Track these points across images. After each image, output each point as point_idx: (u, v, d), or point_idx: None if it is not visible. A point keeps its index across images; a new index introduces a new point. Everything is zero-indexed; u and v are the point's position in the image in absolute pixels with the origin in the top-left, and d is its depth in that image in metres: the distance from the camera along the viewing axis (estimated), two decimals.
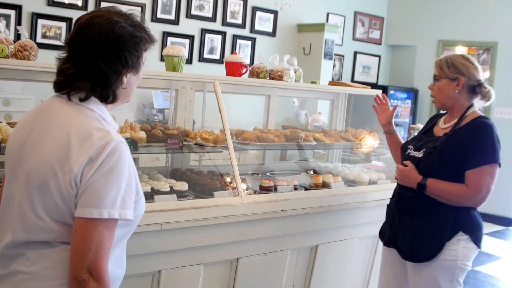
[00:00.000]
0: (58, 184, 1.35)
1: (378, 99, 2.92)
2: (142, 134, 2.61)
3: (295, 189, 2.85)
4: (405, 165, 2.41)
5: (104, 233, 1.34)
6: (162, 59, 5.29)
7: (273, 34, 6.37)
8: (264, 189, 2.76)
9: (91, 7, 4.90)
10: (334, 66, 6.93)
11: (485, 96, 2.41)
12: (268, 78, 3.14)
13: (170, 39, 5.52)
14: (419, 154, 2.40)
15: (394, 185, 2.59)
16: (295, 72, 3.20)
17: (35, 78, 2.41)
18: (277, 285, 2.80)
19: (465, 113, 2.39)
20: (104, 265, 1.35)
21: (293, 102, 5.62)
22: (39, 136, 1.43)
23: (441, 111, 2.58)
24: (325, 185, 3.01)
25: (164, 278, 2.32)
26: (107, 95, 1.47)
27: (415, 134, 2.74)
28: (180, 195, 2.46)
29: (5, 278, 1.42)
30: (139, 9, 5.19)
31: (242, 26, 6.10)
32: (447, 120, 2.46)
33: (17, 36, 4.28)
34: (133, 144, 2.45)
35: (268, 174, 3.41)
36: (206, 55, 5.86)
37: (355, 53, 7.44)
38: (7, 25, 4.43)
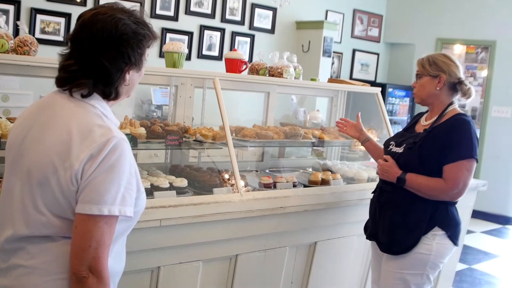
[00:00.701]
0: (59, 180, 1.35)
1: (340, 123, 3.02)
2: (142, 130, 2.61)
3: (294, 186, 2.86)
4: (386, 160, 2.47)
5: (104, 229, 1.34)
6: (161, 55, 5.33)
7: (272, 31, 6.37)
8: (263, 186, 2.77)
9: (90, 2, 4.89)
10: (332, 63, 6.93)
11: (466, 94, 2.47)
12: (267, 75, 3.14)
13: (169, 35, 5.51)
14: (399, 150, 2.46)
15: None
16: (294, 69, 3.20)
17: (35, 74, 2.41)
18: (276, 281, 2.81)
19: (445, 110, 2.46)
20: (104, 261, 1.35)
21: (291, 100, 5.62)
22: (40, 131, 1.43)
23: (417, 110, 2.64)
24: (324, 182, 3.02)
25: (163, 274, 2.32)
26: (110, 92, 1.48)
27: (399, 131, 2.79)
28: (180, 191, 2.46)
29: (5, 272, 1.42)
30: (138, 5, 5.17)
31: (241, 23, 6.09)
32: (428, 117, 2.53)
33: (16, 31, 4.27)
34: (133, 140, 2.45)
35: (267, 171, 3.42)
36: (204, 52, 5.85)
37: (354, 51, 7.44)
38: (6, 21, 4.42)
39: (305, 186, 2.96)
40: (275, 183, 2.80)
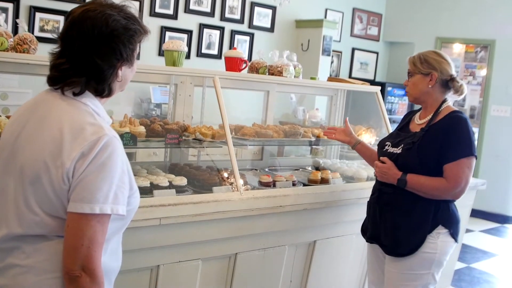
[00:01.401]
0: (51, 179, 1.34)
1: (327, 132, 3.00)
2: (141, 129, 2.61)
3: (293, 185, 2.86)
4: (383, 162, 2.44)
5: (97, 228, 1.33)
6: (160, 53, 5.32)
7: (271, 29, 6.36)
8: (262, 185, 2.77)
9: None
10: (332, 62, 6.93)
11: (458, 90, 2.46)
12: (267, 73, 3.14)
13: (168, 33, 5.50)
14: (397, 150, 2.43)
15: None
16: (294, 68, 3.20)
17: (34, 72, 2.40)
18: (275, 280, 2.81)
19: (440, 108, 2.44)
20: (97, 260, 1.34)
21: (291, 98, 5.62)
22: (33, 130, 1.42)
23: (415, 108, 2.62)
24: (323, 181, 3.02)
25: (163, 272, 2.32)
26: (103, 89, 1.47)
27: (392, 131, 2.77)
28: (179, 190, 2.46)
29: (1, 272, 1.42)
30: (137, 3, 5.17)
31: (241, 21, 6.08)
32: (422, 116, 2.51)
33: (16, 29, 4.26)
34: (133, 139, 2.44)
35: (266, 169, 3.42)
36: (204, 50, 5.85)
37: (353, 50, 7.43)
38: (5, 19, 4.40)
39: (304, 185, 2.96)
40: (275, 181, 2.80)
